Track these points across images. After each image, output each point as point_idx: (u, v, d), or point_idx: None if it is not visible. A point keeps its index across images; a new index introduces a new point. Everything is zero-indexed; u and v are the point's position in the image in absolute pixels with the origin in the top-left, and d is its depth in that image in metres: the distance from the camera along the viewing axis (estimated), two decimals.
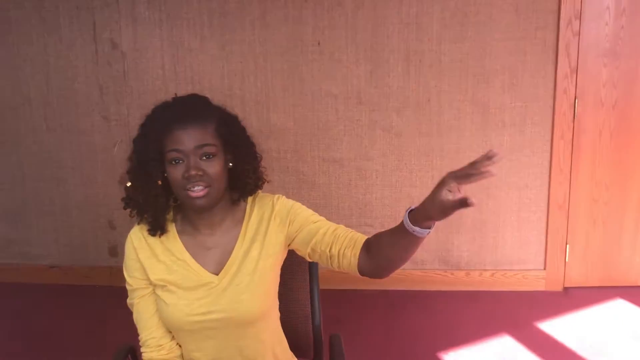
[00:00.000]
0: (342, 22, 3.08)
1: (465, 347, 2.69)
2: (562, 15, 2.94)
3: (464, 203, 0.95)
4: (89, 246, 3.50)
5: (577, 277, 3.26)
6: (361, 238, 1.28)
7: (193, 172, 1.23)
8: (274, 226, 1.36)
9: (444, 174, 1.03)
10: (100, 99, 3.29)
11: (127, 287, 1.39)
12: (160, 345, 1.37)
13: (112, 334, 2.77)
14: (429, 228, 1.08)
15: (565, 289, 3.25)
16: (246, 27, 3.14)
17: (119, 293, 1.46)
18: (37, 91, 3.34)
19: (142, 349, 1.39)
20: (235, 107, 1.39)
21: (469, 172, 0.97)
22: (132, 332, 1.55)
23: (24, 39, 3.28)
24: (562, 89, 3.02)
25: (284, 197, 1.41)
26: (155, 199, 1.31)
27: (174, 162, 1.25)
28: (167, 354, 1.37)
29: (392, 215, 3.25)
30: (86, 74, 3.28)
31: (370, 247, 1.24)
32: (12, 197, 3.50)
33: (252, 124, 1.43)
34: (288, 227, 1.36)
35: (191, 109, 1.30)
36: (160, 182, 1.30)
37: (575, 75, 3.01)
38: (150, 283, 1.36)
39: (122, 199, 1.35)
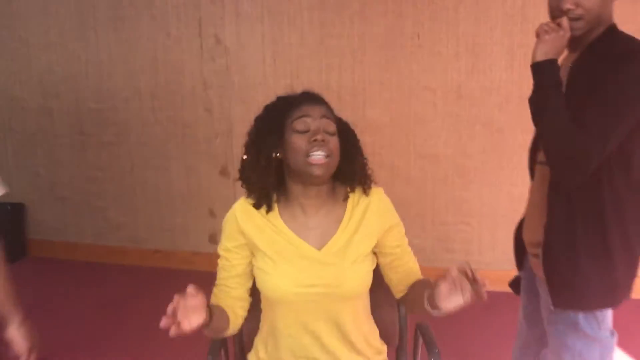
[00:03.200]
0: (443, 14, 3.01)
1: None
2: None
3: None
4: (190, 233, 3.67)
5: None
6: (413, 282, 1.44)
7: (319, 137, 1.29)
8: (372, 217, 1.41)
9: None
10: (204, 93, 3.43)
11: (221, 250, 1.43)
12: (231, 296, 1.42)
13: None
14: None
15: None
16: (345, 21, 3.15)
17: None
18: (146, 84, 3.53)
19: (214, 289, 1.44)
20: (331, 102, 1.42)
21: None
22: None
23: (135, 35, 3.47)
24: None
25: (382, 190, 1.45)
26: (267, 173, 1.36)
27: (299, 132, 1.32)
28: (232, 302, 1.41)
29: (491, 214, 3.16)
30: (191, 68, 3.42)
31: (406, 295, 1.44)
32: (121, 185, 3.73)
33: (347, 118, 1.46)
34: (383, 231, 1.42)
35: (315, 94, 1.41)
36: (275, 156, 1.35)
37: None
38: (248, 249, 1.40)
39: (238, 170, 1.41)
